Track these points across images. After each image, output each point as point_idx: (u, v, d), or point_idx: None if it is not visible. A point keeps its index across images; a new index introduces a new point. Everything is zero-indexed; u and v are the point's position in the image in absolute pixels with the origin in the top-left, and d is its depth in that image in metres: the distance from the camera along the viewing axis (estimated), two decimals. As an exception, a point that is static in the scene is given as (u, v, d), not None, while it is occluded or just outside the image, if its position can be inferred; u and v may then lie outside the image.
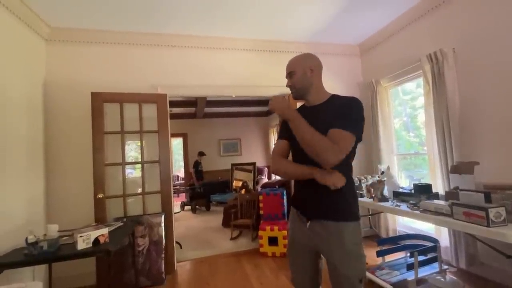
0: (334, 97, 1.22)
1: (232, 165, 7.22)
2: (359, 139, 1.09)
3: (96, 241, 1.82)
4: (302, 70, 1.21)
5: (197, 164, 7.10)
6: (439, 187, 2.48)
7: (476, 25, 2.27)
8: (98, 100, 2.68)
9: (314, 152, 1.02)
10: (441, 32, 2.58)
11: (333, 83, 3.51)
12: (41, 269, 2.42)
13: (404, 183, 3.25)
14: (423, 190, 2.24)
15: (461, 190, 1.89)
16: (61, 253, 1.76)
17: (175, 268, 2.94)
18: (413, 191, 2.33)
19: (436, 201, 1.96)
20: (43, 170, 2.62)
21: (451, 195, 1.96)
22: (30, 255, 1.71)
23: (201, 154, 7.27)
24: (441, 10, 2.57)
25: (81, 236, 1.77)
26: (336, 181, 1.05)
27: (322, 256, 1.23)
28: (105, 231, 1.88)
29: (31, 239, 1.77)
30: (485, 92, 2.22)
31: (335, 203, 1.13)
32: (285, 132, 1.22)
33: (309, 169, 1.08)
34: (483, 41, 2.22)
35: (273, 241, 3.17)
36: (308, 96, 1.23)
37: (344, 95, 1.22)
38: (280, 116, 1.14)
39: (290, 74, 1.22)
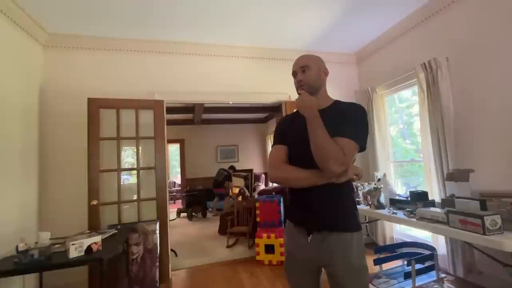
0: (338, 102, 1.19)
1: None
2: (362, 149, 1.07)
3: (89, 249, 1.78)
4: (318, 69, 1.17)
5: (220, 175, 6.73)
6: (435, 195, 2.49)
7: (469, 34, 2.32)
8: (95, 106, 2.67)
9: (323, 158, 0.97)
10: (435, 42, 2.62)
11: (330, 90, 3.50)
12: (32, 278, 2.36)
13: (401, 190, 3.25)
14: (420, 197, 2.24)
15: (457, 197, 1.90)
16: (52, 261, 1.71)
17: (170, 276, 2.88)
18: (409, 198, 2.33)
19: (432, 209, 1.96)
20: (36, 176, 2.58)
21: (447, 202, 1.96)
22: (20, 264, 1.66)
23: (232, 168, 6.92)
24: (435, 20, 2.63)
25: (73, 244, 1.73)
26: (357, 172, 1.02)
27: (322, 270, 1.17)
28: (98, 239, 1.85)
29: (22, 247, 1.73)
30: (479, 100, 2.25)
31: (339, 212, 1.08)
32: (284, 137, 1.18)
33: (320, 173, 1.02)
34: (476, 50, 2.26)
35: (269, 249, 3.14)
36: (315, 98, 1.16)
37: (344, 102, 1.20)
38: (303, 112, 1.05)
39: (303, 68, 1.15)
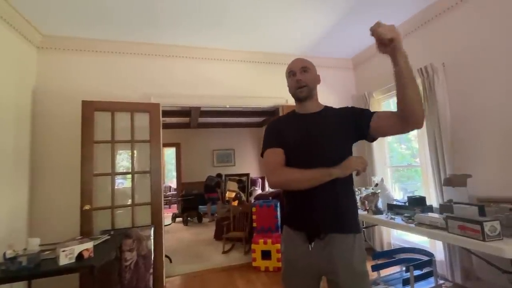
0: (328, 107, 1.21)
1: (226, 176, 7.13)
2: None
3: (80, 256, 1.73)
4: (314, 72, 1.19)
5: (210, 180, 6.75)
6: (432, 199, 2.48)
7: (465, 40, 2.34)
8: (89, 109, 2.63)
9: (419, 103, 0.96)
10: (431, 47, 2.64)
11: (327, 95, 3.54)
12: (20, 286, 2.28)
13: (398, 195, 3.24)
14: (417, 202, 2.23)
15: (455, 203, 1.89)
16: (42, 269, 1.65)
17: (164, 284, 2.81)
18: (407, 203, 2.32)
19: (430, 214, 1.95)
20: (27, 180, 2.51)
21: (445, 208, 1.95)
22: (7, 271, 1.60)
23: (220, 176, 6.95)
24: (431, 26, 2.65)
25: (63, 251, 1.67)
26: (363, 162, 0.99)
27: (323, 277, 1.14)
28: (89, 245, 1.79)
29: (10, 253, 1.66)
30: (476, 105, 2.26)
31: (340, 213, 1.07)
32: (280, 139, 1.14)
33: (324, 170, 0.98)
34: (472, 56, 2.28)
35: (266, 254, 3.09)
36: (309, 101, 1.17)
37: (337, 107, 1.22)
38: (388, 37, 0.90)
39: (304, 69, 1.15)
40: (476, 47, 2.24)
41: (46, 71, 2.72)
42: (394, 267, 2.47)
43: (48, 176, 2.62)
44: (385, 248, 3.18)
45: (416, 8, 2.64)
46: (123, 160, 2.88)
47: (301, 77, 1.14)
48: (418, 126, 1.00)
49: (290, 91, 1.19)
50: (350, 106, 1.21)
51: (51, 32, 2.68)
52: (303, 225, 1.10)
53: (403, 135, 3.53)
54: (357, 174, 1.02)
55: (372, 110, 3.53)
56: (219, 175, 6.97)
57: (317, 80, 1.20)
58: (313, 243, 1.06)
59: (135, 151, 2.82)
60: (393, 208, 2.39)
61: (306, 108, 1.18)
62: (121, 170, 2.82)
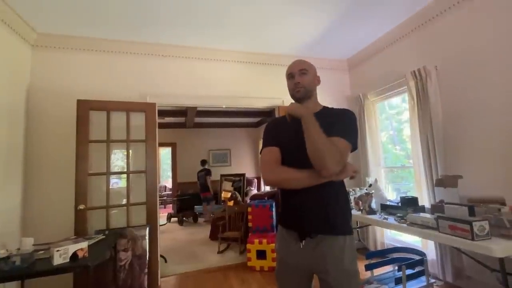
0: (327, 108, 1.23)
1: (221, 176, 7.13)
2: (354, 148, 1.09)
3: (74, 255, 1.72)
4: (313, 74, 1.21)
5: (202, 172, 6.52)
6: (424, 200, 2.52)
7: (457, 44, 2.38)
8: (84, 108, 2.62)
9: (320, 157, 0.96)
10: (424, 50, 2.69)
11: (322, 96, 3.53)
12: (13, 286, 2.26)
13: (391, 195, 3.29)
14: (410, 203, 2.27)
15: (446, 203, 1.93)
16: (35, 268, 1.64)
17: (159, 283, 2.81)
18: (400, 204, 2.36)
19: (422, 214, 1.99)
20: (21, 179, 2.49)
21: (437, 208, 1.99)
22: (0, 271, 1.59)
23: (203, 162, 6.65)
24: (425, 30, 2.70)
25: (57, 251, 1.66)
26: (354, 168, 1.00)
27: (314, 276, 1.16)
28: (84, 244, 1.79)
29: (3, 253, 1.66)
30: (467, 108, 2.31)
31: (333, 216, 1.08)
32: (276, 139, 1.17)
33: (317, 172, 1.00)
34: (464, 60, 2.33)
35: (261, 254, 3.11)
36: (307, 101, 1.18)
37: (336, 107, 1.23)
38: (296, 115, 1.05)
39: (302, 71, 1.17)
40: (468, 51, 2.29)
41: (40, 69, 2.70)
42: (387, 266, 2.50)
43: (42, 176, 2.60)
44: (379, 248, 3.22)
45: (410, 12, 2.69)
46: (118, 159, 2.87)
47: (300, 79, 1.16)
48: (328, 175, 0.99)
49: (289, 92, 1.22)
50: (347, 108, 1.22)
51: (46, 30, 2.66)
52: (295, 225, 1.13)
53: (398, 136, 3.58)
54: (352, 178, 1.04)
55: (366, 111, 3.54)
56: (203, 162, 6.68)
57: (316, 81, 1.22)
58: (304, 242, 1.08)
59: (130, 151, 2.81)
60: (386, 208, 2.42)
61: None
62: (116, 169, 2.81)
